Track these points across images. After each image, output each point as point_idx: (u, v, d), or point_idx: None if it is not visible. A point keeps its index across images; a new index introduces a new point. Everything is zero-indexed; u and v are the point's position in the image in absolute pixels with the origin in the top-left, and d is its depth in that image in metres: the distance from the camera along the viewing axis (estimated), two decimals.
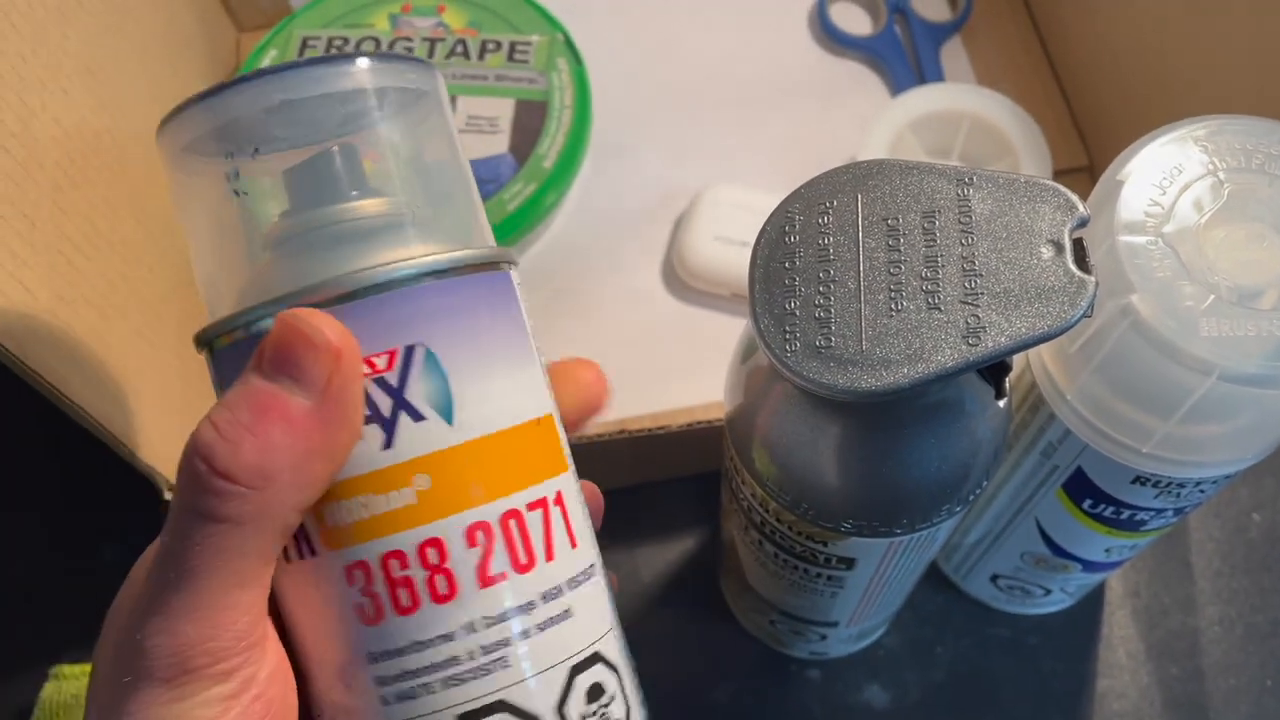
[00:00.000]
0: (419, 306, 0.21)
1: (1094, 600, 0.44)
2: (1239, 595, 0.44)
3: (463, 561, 0.21)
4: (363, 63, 0.22)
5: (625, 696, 0.23)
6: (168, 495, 0.34)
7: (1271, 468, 0.47)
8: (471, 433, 0.21)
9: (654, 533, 0.46)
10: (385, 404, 0.20)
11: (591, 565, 0.23)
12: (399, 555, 0.20)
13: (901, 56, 0.52)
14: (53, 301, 0.30)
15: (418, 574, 0.20)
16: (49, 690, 0.41)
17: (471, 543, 0.21)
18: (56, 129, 0.34)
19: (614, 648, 0.23)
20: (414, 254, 0.21)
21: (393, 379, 0.20)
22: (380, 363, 0.20)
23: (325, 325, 0.19)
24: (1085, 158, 0.50)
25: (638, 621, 0.44)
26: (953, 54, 0.53)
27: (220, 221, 0.24)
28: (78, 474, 0.47)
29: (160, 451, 0.34)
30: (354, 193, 0.22)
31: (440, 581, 0.20)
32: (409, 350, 0.20)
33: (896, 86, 0.51)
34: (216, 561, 0.19)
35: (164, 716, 0.19)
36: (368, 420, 0.20)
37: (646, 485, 0.46)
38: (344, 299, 0.20)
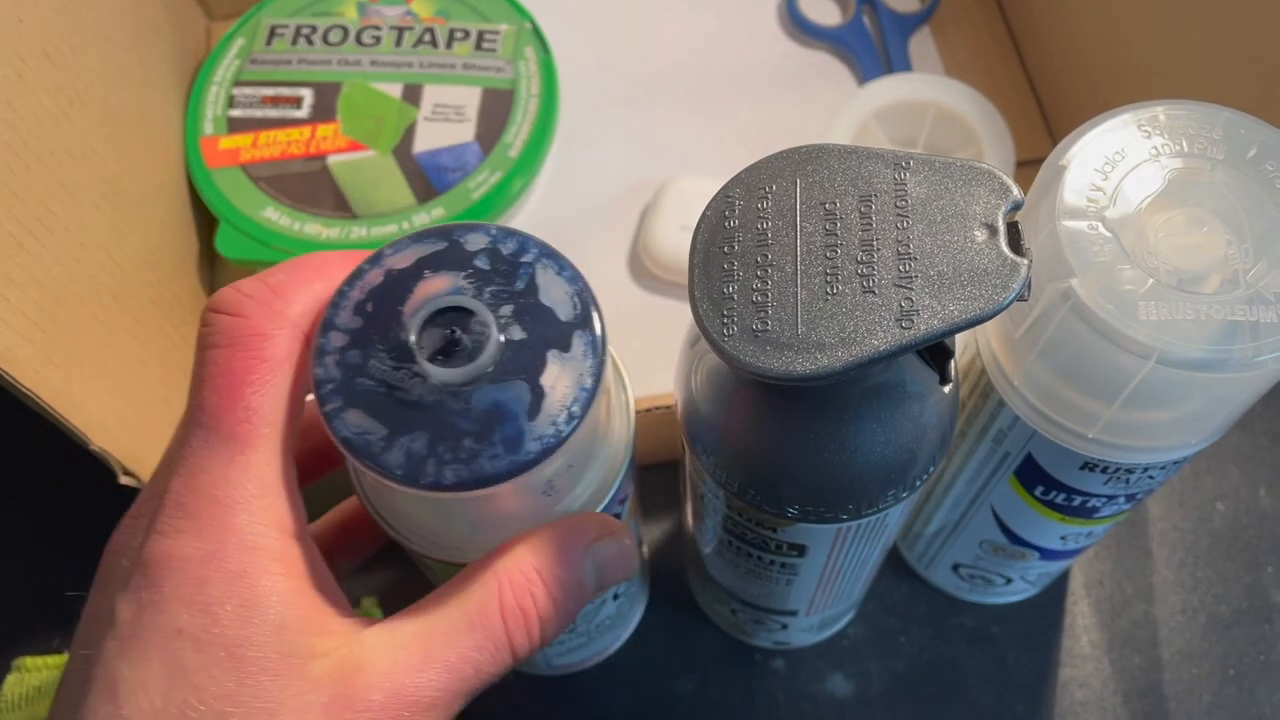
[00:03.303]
0: None
1: (1057, 589, 0.44)
2: (1202, 584, 0.44)
3: None
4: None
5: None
6: (123, 479, 0.34)
7: (1235, 457, 0.47)
8: None
9: None
10: None
11: None
12: None
13: (870, 47, 0.52)
14: (1, 283, 0.30)
15: None
16: (11, 682, 0.41)
17: None
18: (10, 112, 0.34)
19: None
20: None
21: None
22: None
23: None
24: (1050, 148, 0.50)
25: None
26: (921, 45, 0.53)
27: None
28: (31, 461, 0.47)
29: (114, 435, 0.34)
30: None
31: None
32: None
33: (865, 77, 0.51)
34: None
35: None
36: None
37: None
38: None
